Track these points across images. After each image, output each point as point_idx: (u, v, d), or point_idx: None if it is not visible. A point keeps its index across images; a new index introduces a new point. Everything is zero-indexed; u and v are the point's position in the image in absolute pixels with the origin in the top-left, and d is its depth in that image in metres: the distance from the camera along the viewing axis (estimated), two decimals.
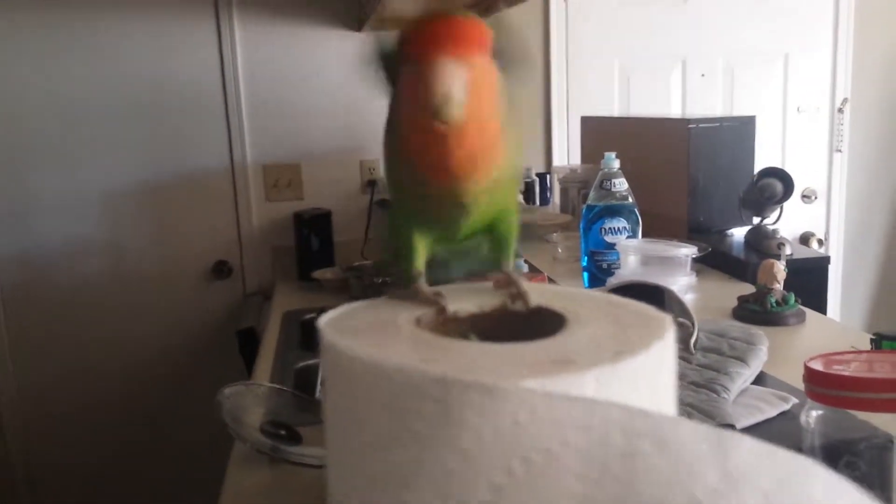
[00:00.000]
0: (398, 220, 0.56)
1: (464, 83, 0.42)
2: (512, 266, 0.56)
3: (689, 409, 0.68)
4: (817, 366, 0.60)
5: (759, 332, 0.91)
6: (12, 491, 2.39)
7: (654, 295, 0.99)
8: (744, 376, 0.76)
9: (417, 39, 0.44)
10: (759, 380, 0.81)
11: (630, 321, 0.42)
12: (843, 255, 2.78)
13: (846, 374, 0.59)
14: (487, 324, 0.48)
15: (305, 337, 1.56)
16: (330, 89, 2.33)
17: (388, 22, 2.35)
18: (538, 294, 0.50)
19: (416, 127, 0.46)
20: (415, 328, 0.43)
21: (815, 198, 2.73)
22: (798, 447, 0.61)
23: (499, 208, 0.55)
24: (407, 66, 0.45)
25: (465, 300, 0.50)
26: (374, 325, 0.43)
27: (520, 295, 0.50)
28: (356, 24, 2.32)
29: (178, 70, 2.28)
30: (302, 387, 1.19)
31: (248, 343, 1.91)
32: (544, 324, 0.44)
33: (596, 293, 0.50)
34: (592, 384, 0.34)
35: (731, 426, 0.65)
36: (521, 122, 0.56)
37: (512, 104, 0.51)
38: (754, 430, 0.68)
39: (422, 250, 0.55)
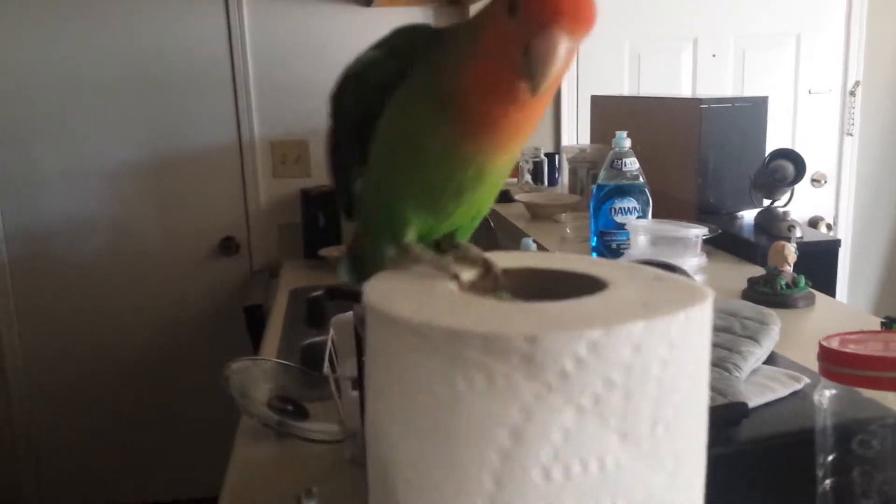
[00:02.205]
0: (385, 197, 0.52)
1: (565, 63, 0.42)
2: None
3: None
4: (833, 344, 0.60)
5: (771, 312, 0.90)
6: (15, 460, 2.41)
7: None
8: (756, 355, 0.76)
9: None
10: (771, 360, 0.81)
11: (663, 281, 0.42)
12: (852, 239, 2.76)
13: (862, 353, 0.58)
14: (517, 285, 0.47)
15: (312, 314, 1.57)
16: (339, 65, 2.28)
17: None
18: (565, 261, 0.48)
19: (489, 83, 0.44)
20: (466, 293, 0.43)
21: (825, 182, 2.72)
22: (810, 426, 0.61)
23: (491, 195, 0.53)
24: (511, 18, 0.42)
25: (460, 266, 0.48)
26: (421, 292, 0.42)
27: (486, 263, 0.48)
28: None
29: (186, 44, 2.27)
30: (308, 363, 1.19)
31: (256, 319, 1.91)
32: (579, 285, 0.43)
33: (608, 260, 0.49)
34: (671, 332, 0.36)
35: (744, 404, 0.65)
36: None
37: None
38: (767, 408, 0.68)
39: (412, 227, 0.51)
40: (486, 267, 0.48)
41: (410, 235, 0.50)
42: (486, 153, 0.48)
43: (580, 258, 0.48)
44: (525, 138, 0.49)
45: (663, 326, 0.35)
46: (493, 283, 0.47)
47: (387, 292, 0.41)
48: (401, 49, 0.50)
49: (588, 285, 0.42)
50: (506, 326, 0.35)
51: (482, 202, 0.53)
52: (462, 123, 0.46)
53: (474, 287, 0.46)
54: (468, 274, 0.46)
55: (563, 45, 0.41)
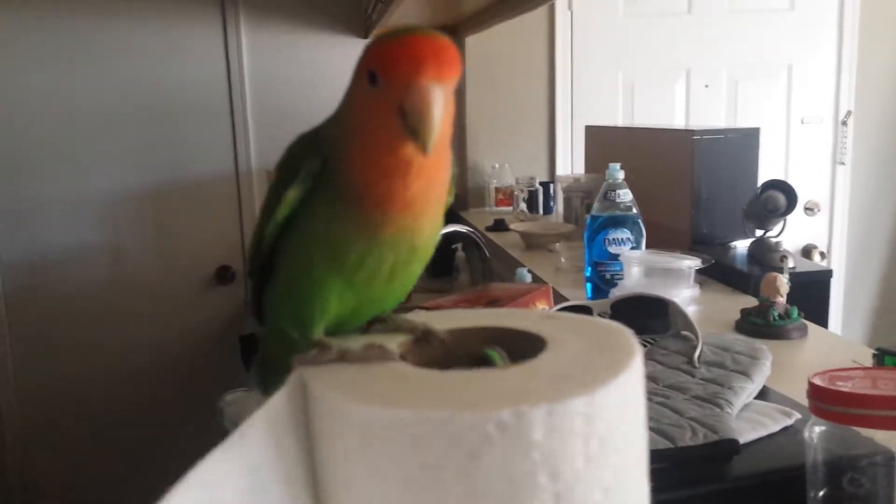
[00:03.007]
0: (306, 285, 0.47)
1: (443, 110, 0.41)
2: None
3: (693, 423, 0.68)
4: (821, 382, 0.60)
5: (762, 346, 0.90)
6: (8, 492, 2.39)
7: (657, 307, 0.99)
8: (747, 391, 0.76)
9: (395, 57, 0.41)
10: (762, 394, 0.81)
11: (600, 339, 0.42)
12: (845, 268, 2.78)
13: (849, 390, 0.59)
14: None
15: None
16: (336, 96, 2.31)
17: (395, 28, 2.36)
18: (504, 317, 0.47)
19: (380, 154, 0.43)
20: (410, 366, 0.41)
21: (818, 210, 2.74)
22: (801, 462, 0.62)
23: (423, 265, 0.50)
24: (374, 88, 0.42)
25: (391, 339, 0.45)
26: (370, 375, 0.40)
27: (427, 331, 0.46)
28: (362, 31, 2.33)
29: (184, 75, 2.29)
30: None
31: (251, 349, 1.91)
32: (519, 346, 0.43)
33: (551, 312, 0.49)
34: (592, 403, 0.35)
35: (735, 441, 0.65)
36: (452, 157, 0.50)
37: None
38: (758, 444, 0.68)
39: (328, 316, 0.47)
40: (426, 334, 0.45)
41: (319, 331, 0.47)
42: (408, 229, 0.46)
43: (522, 314, 0.48)
44: (442, 195, 0.47)
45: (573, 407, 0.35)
46: (439, 349, 0.45)
47: (349, 386, 0.38)
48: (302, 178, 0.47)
49: (530, 344, 0.42)
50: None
51: (415, 275, 0.50)
52: (373, 211, 0.44)
53: (418, 356, 0.44)
54: (394, 346, 0.43)
55: (434, 94, 0.40)
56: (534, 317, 0.46)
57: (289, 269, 0.49)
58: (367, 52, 0.43)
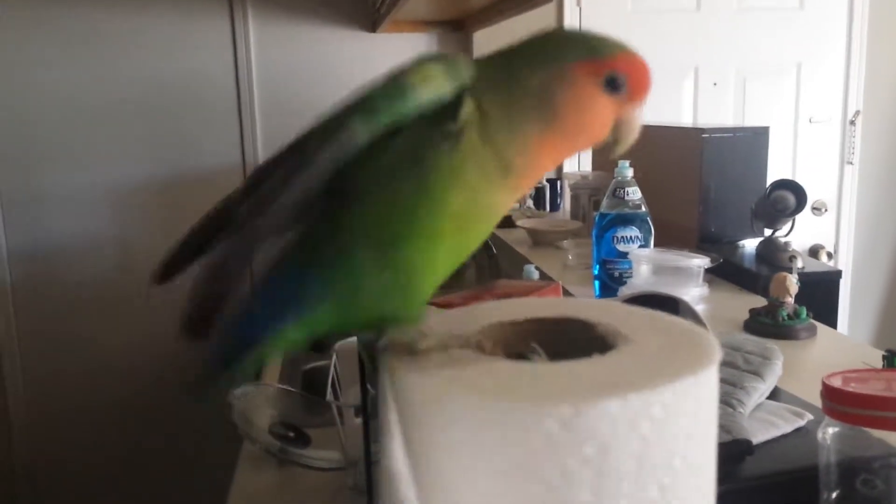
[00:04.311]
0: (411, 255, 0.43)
1: None
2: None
3: None
4: (834, 383, 0.60)
5: (773, 346, 0.90)
6: (13, 483, 2.39)
7: (667, 306, 0.99)
8: (759, 391, 0.76)
9: (644, 78, 0.47)
10: (774, 394, 0.81)
11: (678, 339, 0.43)
12: (853, 268, 2.77)
13: (864, 392, 0.59)
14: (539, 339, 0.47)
15: None
16: (344, 90, 2.30)
17: (402, 24, 2.36)
18: (578, 308, 0.48)
19: (564, 146, 0.46)
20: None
21: (826, 210, 2.73)
22: (814, 463, 0.61)
23: None
24: (613, 93, 0.45)
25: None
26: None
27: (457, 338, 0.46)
28: (370, 25, 2.33)
29: (192, 69, 2.29)
30: (309, 388, 1.19)
31: None
32: (587, 339, 0.44)
33: (632, 308, 0.50)
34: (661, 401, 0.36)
35: (748, 441, 0.65)
36: None
37: None
38: (770, 445, 0.68)
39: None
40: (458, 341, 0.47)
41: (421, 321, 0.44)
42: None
43: (562, 302, 0.49)
44: None
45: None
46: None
47: (445, 380, 0.38)
48: (455, 88, 0.43)
49: (592, 337, 0.43)
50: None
51: None
52: (519, 183, 0.45)
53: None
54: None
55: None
56: (606, 308, 0.48)
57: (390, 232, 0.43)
58: (611, 56, 0.46)
